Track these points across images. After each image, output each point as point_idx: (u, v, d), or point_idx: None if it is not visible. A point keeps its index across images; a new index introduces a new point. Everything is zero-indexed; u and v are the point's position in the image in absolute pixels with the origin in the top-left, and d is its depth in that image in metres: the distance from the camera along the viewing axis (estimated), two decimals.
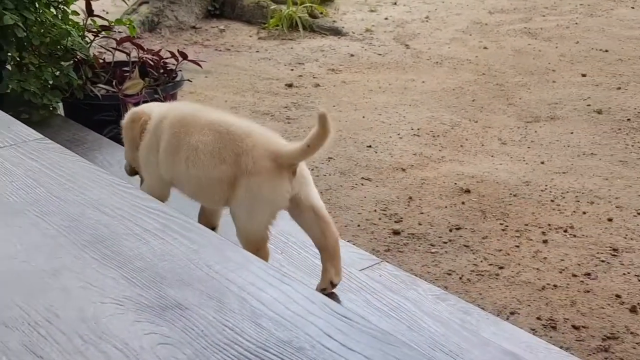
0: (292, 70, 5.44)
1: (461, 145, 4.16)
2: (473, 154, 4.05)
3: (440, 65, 5.49)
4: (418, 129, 4.37)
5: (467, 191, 3.62)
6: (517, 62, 5.52)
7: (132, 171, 2.14)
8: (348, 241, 2.95)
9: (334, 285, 1.88)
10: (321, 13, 6.46)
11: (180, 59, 2.87)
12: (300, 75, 5.33)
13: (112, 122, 2.78)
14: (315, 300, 1.17)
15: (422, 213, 3.44)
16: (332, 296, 1.85)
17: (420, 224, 3.34)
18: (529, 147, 4.12)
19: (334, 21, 6.41)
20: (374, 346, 1.09)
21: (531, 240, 3.21)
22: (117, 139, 2.78)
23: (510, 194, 3.60)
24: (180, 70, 2.94)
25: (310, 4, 6.43)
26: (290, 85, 5.12)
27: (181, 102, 2.19)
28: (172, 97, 2.92)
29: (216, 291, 1.23)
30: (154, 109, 2.05)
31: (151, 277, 1.27)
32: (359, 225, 3.36)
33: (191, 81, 3.24)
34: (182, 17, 6.28)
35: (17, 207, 1.51)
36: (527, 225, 3.32)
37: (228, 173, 1.84)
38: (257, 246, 1.86)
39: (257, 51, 5.86)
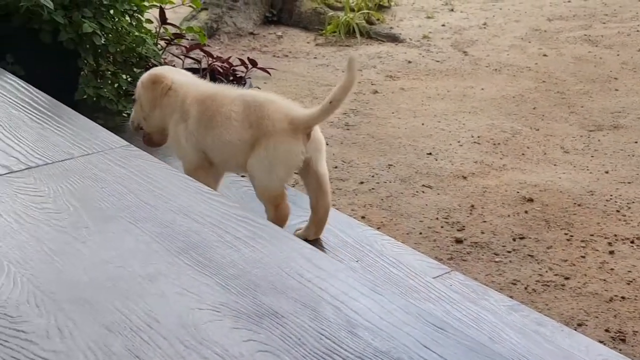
0: None
1: (523, 154, 4.13)
2: (535, 162, 4.03)
3: (499, 73, 5.47)
4: (478, 137, 4.35)
5: (530, 200, 3.60)
6: (577, 70, 5.48)
7: (138, 127, 2.35)
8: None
9: (306, 240, 2.07)
10: (378, 20, 6.47)
11: (249, 66, 2.90)
12: (359, 82, 5.34)
13: None
14: (410, 311, 1.18)
15: (484, 222, 3.43)
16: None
17: (483, 233, 3.33)
18: (592, 156, 4.09)
19: (391, 28, 6.42)
20: (472, 358, 1.10)
21: (597, 250, 3.18)
22: None
23: (575, 203, 3.57)
24: (250, 78, 2.98)
25: (368, 11, 6.45)
26: None
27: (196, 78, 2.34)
28: None
29: (310, 300, 1.25)
30: (175, 79, 2.24)
31: (245, 284, 1.30)
32: (420, 233, 3.36)
33: (260, 88, 3.28)
34: (240, 24, 6.33)
35: (109, 214, 1.55)
36: (592, 235, 3.30)
37: (253, 135, 2.09)
38: (276, 202, 2.15)
39: (314, 57, 5.89)
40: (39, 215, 1.55)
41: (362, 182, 3.85)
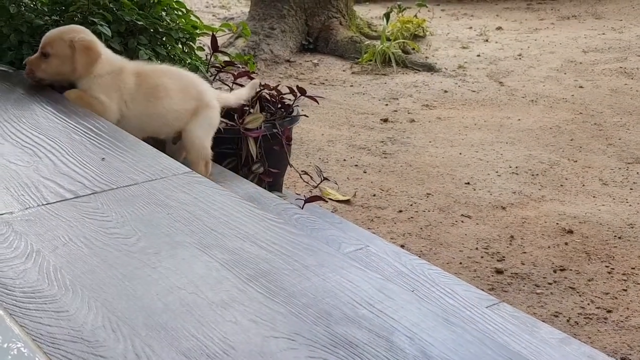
0: (386, 105, 5.49)
1: (561, 185, 4.13)
2: (574, 194, 4.03)
3: (536, 104, 5.48)
4: (516, 167, 4.36)
5: (570, 232, 3.59)
6: (614, 102, 5.47)
7: (32, 73, 2.56)
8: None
9: None
10: (413, 49, 6.51)
11: (298, 94, 2.94)
12: (395, 111, 5.37)
13: (231, 154, 2.86)
14: (487, 343, 1.19)
15: (524, 252, 3.43)
16: None
17: (523, 264, 3.33)
18: (631, 189, 4.08)
19: (427, 57, 6.45)
20: None
21: (639, 284, 3.17)
22: (236, 170, 2.86)
23: (615, 236, 3.56)
24: (297, 106, 3.01)
25: (403, 40, 6.49)
26: (385, 120, 5.17)
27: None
28: (289, 131, 2.99)
29: (384, 330, 1.26)
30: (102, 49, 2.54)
31: (318, 313, 1.32)
32: (460, 263, 3.36)
33: (307, 116, 3.32)
34: (277, 51, 6.39)
35: (177, 239, 1.58)
36: (634, 268, 3.29)
37: (194, 105, 2.58)
38: (207, 159, 2.60)
39: (351, 85, 5.93)
40: (108, 240, 1.58)
41: (400, 211, 3.86)
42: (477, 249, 3.47)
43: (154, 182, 1.84)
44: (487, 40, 7.05)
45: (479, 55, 6.61)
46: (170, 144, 2.70)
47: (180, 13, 2.95)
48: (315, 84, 5.93)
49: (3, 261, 1.49)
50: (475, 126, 5.07)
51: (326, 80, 6.08)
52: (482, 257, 3.40)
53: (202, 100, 2.61)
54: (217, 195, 1.78)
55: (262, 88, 3.01)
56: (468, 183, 4.17)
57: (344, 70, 6.30)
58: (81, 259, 1.50)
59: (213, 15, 7.75)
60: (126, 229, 1.62)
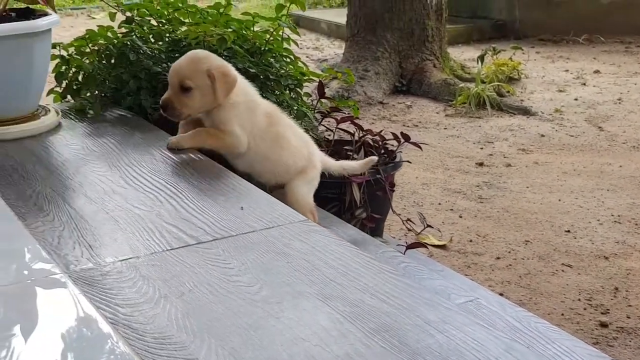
0: (481, 148, 5.46)
1: None
2: None
3: (638, 150, 5.36)
4: (619, 216, 4.27)
5: None
6: None
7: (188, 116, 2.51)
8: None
9: None
10: (508, 92, 6.46)
11: (402, 140, 2.95)
12: (491, 154, 5.33)
13: (334, 199, 2.88)
14: None
15: (630, 306, 3.34)
16: None
17: (629, 317, 3.25)
18: None
19: (522, 100, 6.40)
20: None
21: None
22: (339, 214, 2.89)
23: None
24: (400, 152, 3.03)
25: (498, 83, 6.45)
26: (481, 164, 5.13)
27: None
28: (392, 177, 3.00)
29: None
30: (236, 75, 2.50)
31: None
32: (562, 315, 3.30)
33: (410, 162, 3.32)
34: (370, 93, 6.43)
35: (298, 289, 1.59)
36: None
37: (303, 164, 2.60)
38: (312, 211, 2.58)
39: (445, 128, 5.92)
40: (232, 287, 1.61)
41: (498, 258, 3.82)
42: (579, 300, 3.40)
43: (272, 230, 1.87)
44: (584, 84, 6.95)
45: (576, 99, 6.52)
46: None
47: (288, 60, 3.01)
48: (408, 126, 5.94)
49: (133, 306, 1.54)
50: (574, 172, 4.99)
51: (419, 122, 6.08)
52: (585, 309, 3.33)
53: (311, 162, 2.63)
54: (333, 245, 1.79)
55: (365, 133, 3.03)
56: (568, 231, 4.10)
57: (437, 113, 6.29)
58: (207, 306, 1.54)
59: (307, 57, 7.83)
60: (248, 277, 1.65)
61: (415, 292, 1.59)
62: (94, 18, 9.97)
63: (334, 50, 8.21)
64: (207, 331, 1.45)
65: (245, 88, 2.52)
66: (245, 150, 2.47)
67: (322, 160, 2.71)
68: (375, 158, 2.83)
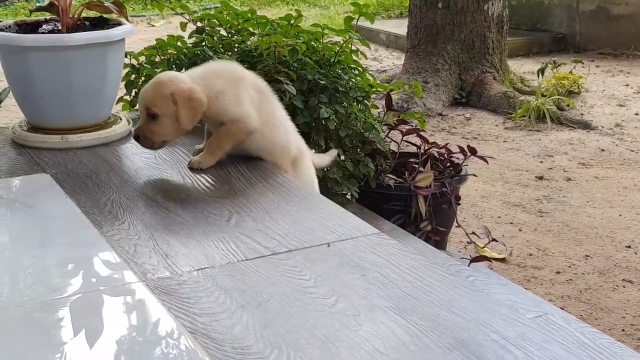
0: (541, 162, 5.41)
1: None
2: None
3: None
4: None
5: None
6: None
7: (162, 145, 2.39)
8: None
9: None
10: (568, 105, 6.39)
11: (468, 154, 2.95)
12: (550, 168, 5.28)
13: (399, 211, 2.89)
14: None
15: None
16: None
17: None
18: None
19: (582, 114, 6.33)
20: None
21: None
22: (404, 226, 2.89)
23: None
24: (466, 165, 3.02)
25: (558, 97, 6.39)
26: (540, 178, 5.09)
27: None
28: (457, 190, 3.00)
29: None
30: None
31: None
32: (623, 330, 3.26)
33: (476, 176, 3.31)
34: (430, 104, 6.42)
35: (374, 302, 1.60)
36: None
37: (295, 153, 2.49)
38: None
39: (504, 141, 5.88)
40: (308, 299, 1.62)
41: (558, 272, 3.79)
42: None
43: (345, 243, 1.88)
44: None
45: (637, 114, 6.43)
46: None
47: (356, 72, 3.02)
48: (467, 138, 5.91)
49: (211, 315, 1.56)
50: (635, 187, 4.92)
51: (479, 134, 6.05)
52: None
53: (301, 151, 2.51)
54: (407, 259, 1.80)
55: (431, 145, 3.03)
56: (629, 246, 4.05)
57: (496, 125, 6.26)
58: (284, 317, 1.55)
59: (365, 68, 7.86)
60: (324, 289, 1.66)
61: (491, 307, 1.59)
62: (153, 26, 10.10)
63: (393, 61, 8.21)
64: (285, 342, 1.46)
65: (223, 72, 2.40)
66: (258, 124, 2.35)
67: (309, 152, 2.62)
68: (335, 151, 2.78)
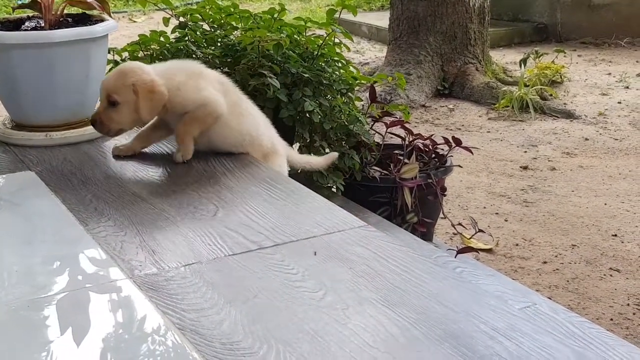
0: (525, 152, 5.42)
1: None
2: None
3: None
4: None
5: None
6: None
7: (119, 132, 2.41)
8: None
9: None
10: (551, 95, 6.41)
11: (453, 145, 2.95)
12: (535, 158, 5.30)
13: (385, 203, 2.89)
14: None
15: None
16: None
17: None
18: None
19: (565, 104, 6.35)
20: None
21: None
22: (390, 218, 2.89)
23: None
24: (451, 156, 3.02)
25: (541, 87, 6.41)
26: (525, 168, 5.10)
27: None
28: (443, 182, 3.00)
29: None
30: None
31: None
32: (611, 320, 3.27)
33: (461, 167, 3.31)
34: (413, 96, 6.42)
35: (362, 295, 1.60)
36: None
37: (268, 148, 2.49)
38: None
39: (487, 131, 5.89)
40: (296, 293, 1.61)
41: (545, 262, 3.80)
42: (628, 305, 3.38)
43: (332, 235, 1.88)
44: (627, 87, 6.88)
45: (619, 103, 6.46)
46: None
47: (339, 65, 3.01)
48: (451, 129, 5.92)
49: (199, 311, 1.55)
50: (619, 176, 4.94)
51: (462, 125, 6.06)
52: (634, 314, 3.30)
53: (274, 147, 2.51)
54: (395, 251, 1.80)
55: (416, 137, 3.03)
56: (615, 235, 4.06)
57: (480, 116, 6.27)
58: (272, 312, 1.55)
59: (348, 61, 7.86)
60: (311, 283, 1.65)
61: (480, 299, 1.59)
62: (135, 22, 10.05)
63: (375, 53, 8.21)
64: (274, 337, 1.46)
65: (184, 66, 2.43)
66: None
67: (285, 149, 2.59)
68: (335, 154, 2.75)
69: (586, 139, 5.65)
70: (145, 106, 2.27)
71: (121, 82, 2.29)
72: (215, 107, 2.33)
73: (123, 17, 10.48)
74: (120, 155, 2.43)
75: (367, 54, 8.24)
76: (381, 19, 8.58)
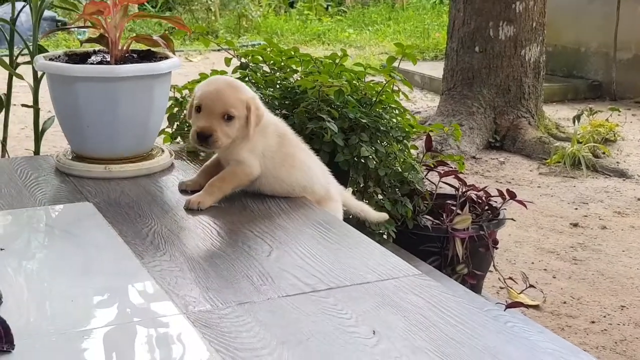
0: (575, 209, 5.37)
1: None
2: None
3: None
4: None
5: None
6: None
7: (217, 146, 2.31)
8: None
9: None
10: (604, 153, 6.36)
11: (507, 197, 2.93)
12: (585, 216, 5.24)
13: (435, 253, 2.87)
14: None
15: None
16: None
17: None
18: None
19: (618, 162, 6.29)
20: None
21: None
22: (439, 269, 2.87)
23: None
24: (505, 209, 3.01)
25: (594, 144, 6.36)
26: (575, 225, 5.05)
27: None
28: (495, 234, 2.98)
29: None
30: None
31: None
32: None
33: (514, 220, 3.29)
34: (463, 147, 6.42)
35: (416, 345, 1.59)
36: None
37: (322, 193, 2.47)
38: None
39: (538, 186, 5.85)
40: (349, 338, 1.61)
41: (593, 322, 3.74)
42: None
43: (385, 282, 1.87)
44: None
45: None
46: None
47: (397, 112, 3.03)
48: (501, 182, 5.89)
49: (251, 350, 1.55)
50: None
51: (512, 179, 6.03)
52: None
53: (329, 192, 2.47)
54: (450, 302, 1.78)
55: (469, 188, 3.02)
56: None
57: (531, 171, 6.23)
58: (325, 356, 1.54)
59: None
60: (364, 329, 1.65)
61: (535, 355, 1.57)
62: (191, 61, 10.21)
63: (427, 102, 8.24)
64: None
65: None
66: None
67: (342, 194, 2.56)
68: (386, 215, 2.72)
69: (638, 199, 5.58)
70: (254, 122, 2.26)
71: (237, 96, 2.26)
72: (246, 173, 2.33)
73: (179, 56, 10.60)
74: (187, 190, 2.43)
75: (419, 103, 8.27)
76: (434, 69, 8.62)
